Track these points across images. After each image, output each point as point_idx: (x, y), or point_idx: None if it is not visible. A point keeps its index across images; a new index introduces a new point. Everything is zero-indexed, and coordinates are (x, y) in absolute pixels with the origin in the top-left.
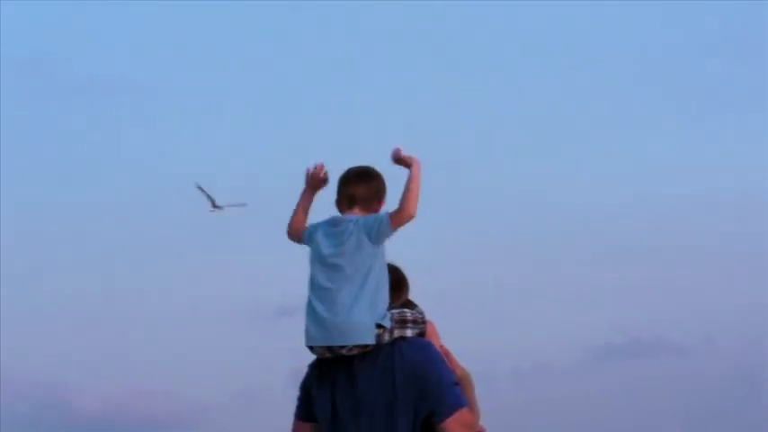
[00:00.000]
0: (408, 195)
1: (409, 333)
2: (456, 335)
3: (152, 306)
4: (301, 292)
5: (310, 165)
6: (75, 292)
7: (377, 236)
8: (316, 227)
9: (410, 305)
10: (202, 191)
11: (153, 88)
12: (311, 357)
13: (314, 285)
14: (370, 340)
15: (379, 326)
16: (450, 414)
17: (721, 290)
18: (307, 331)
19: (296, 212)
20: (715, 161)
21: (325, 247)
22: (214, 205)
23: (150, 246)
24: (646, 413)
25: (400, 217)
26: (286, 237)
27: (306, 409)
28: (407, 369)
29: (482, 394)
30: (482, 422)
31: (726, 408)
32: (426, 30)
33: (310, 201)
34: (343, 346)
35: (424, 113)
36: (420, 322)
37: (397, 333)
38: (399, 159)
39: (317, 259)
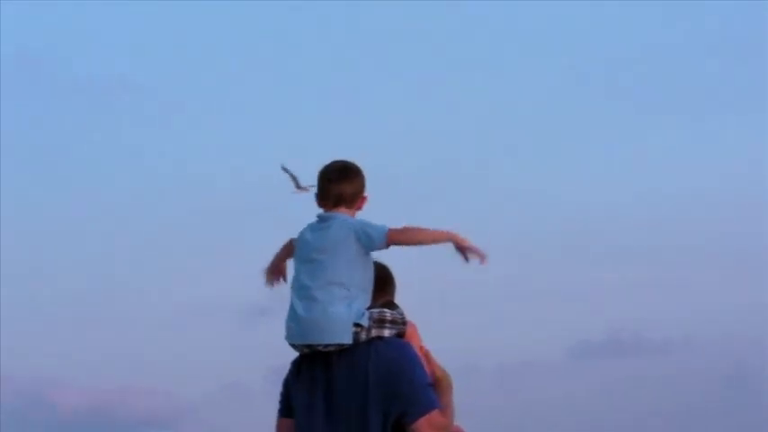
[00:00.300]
0: (420, 234)
1: (387, 333)
2: (439, 332)
3: (136, 305)
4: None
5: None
6: (66, 292)
7: (368, 246)
8: (303, 230)
9: (391, 305)
10: (287, 171)
11: (153, 88)
12: (293, 354)
13: (295, 282)
14: (347, 339)
15: (357, 324)
16: (421, 415)
17: (708, 289)
18: (287, 328)
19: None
20: (712, 160)
21: (309, 244)
22: (298, 186)
23: (141, 245)
24: (629, 411)
25: (398, 239)
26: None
27: (288, 405)
28: (381, 368)
29: (464, 392)
30: (464, 421)
31: (709, 407)
32: (426, 29)
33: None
34: (320, 344)
35: (423, 112)
36: (399, 323)
37: (374, 332)
38: (466, 250)
39: (301, 255)
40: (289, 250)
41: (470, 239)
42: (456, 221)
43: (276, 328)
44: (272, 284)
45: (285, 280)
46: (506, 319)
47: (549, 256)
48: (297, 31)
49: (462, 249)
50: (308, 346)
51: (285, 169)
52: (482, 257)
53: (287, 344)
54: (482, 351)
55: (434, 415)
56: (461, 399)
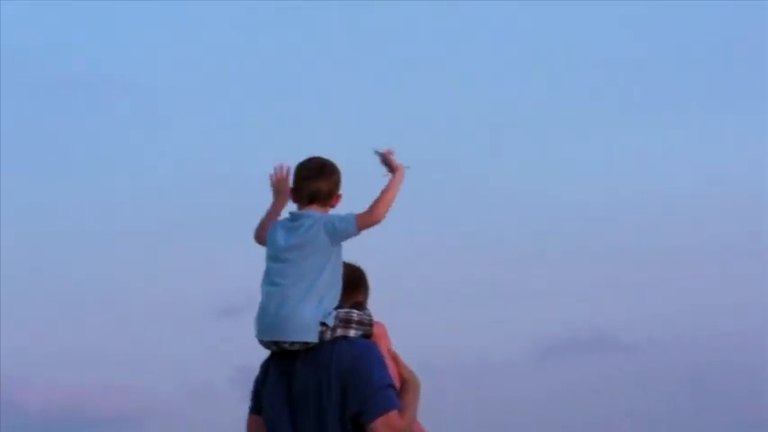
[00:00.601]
0: (383, 200)
1: (352, 333)
2: (403, 332)
3: (104, 303)
4: (254, 288)
5: (271, 171)
6: (32, 288)
7: (339, 236)
8: (276, 224)
9: (360, 307)
10: (379, 154)
11: (153, 88)
12: (262, 353)
13: (266, 280)
14: (312, 338)
15: (323, 323)
16: (378, 415)
17: (673, 290)
18: (256, 325)
19: (265, 220)
20: (675, 163)
21: (281, 242)
22: (390, 170)
23: (113, 243)
24: (594, 411)
25: (368, 220)
26: (254, 240)
27: (258, 403)
28: (343, 368)
29: (427, 392)
30: (428, 422)
31: (673, 408)
32: (427, 29)
33: (280, 208)
34: (285, 341)
35: (412, 111)
36: (366, 324)
37: (339, 332)
38: (387, 161)
39: (272, 254)
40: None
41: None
42: (414, 219)
43: (244, 328)
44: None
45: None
46: (470, 318)
47: (512, 256)
48: (297, 30)
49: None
50: (276, 343)
51: (377, 152)
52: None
53: (255, 343)
54: (445, 351)
55: (392, 416)
56: (424, 399)
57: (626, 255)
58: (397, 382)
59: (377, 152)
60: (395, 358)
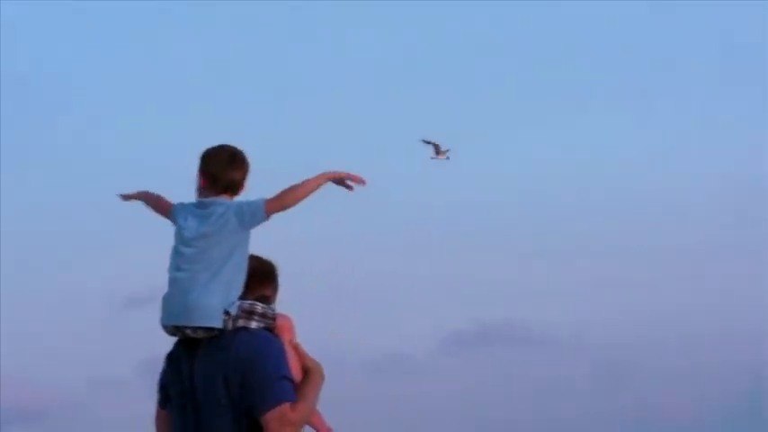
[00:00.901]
0: (294, 190)
1: (254, 325)
2: (309, 326)
3: (7, 295)
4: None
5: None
6: None
7: (249, 222)
8: (181, 207)
9: (265, 300)
10: (428, 142)
11: (153, 87)
12: (168, 344)
13: (173, 264)
14: (216, 323)
15: (226, 312)
16: (269, 409)
17: (586, 288)
18: (162, 310)
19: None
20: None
21: (190, 229)
22: (438, 152)
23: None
24: (501, 404)
25: (276, 205)
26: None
27: (165, 396)
28: (240, 360)
29: (333, 386)
30: (333, 416)
31: (580, 404)
32: (426, 31)
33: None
34: (188, 327)
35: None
36: (269, 317)
37: (241, 322)
38: (345, 178)
39: (180, 240)
40: (162, 204)
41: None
42: (325, 214)
43: (150, 319)
44: (127, 199)
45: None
46: (377, 311)
47: (421, 250)
48: (297, 30)
49: (342, 181)
50: (179, 328)
51: (426, 141)
52: (362, 181)
53: (162, 335)
54: (351, 344)
55: (284, 408)
56: (330, 393)
57: (534, 250)
58: (298, 375)
59: (425, 141)
60: (296, 349)
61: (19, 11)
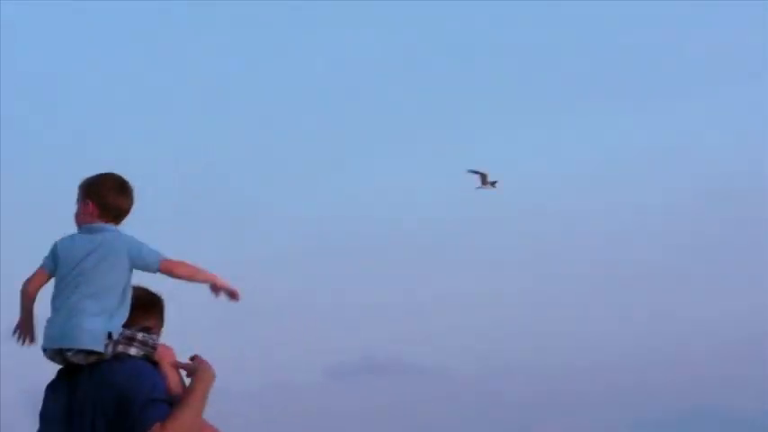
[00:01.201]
0: (190, 270)
1: (133, 351)
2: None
3: None
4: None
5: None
6: None
7: (139, 266)
8: (63, 239)
9: (148, 331)
10: (475, 172)
11: (153, 87)
12: (50, 373)
13: (57, 290)
14: (97, 347)
15: (108, 336)
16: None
17: (465, 318)
18: (44, 334)
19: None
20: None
21: (76, 254)
22: (484, 182)
23: None
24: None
25: (169, 270)
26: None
27: (45, 428)
28: (115, 385)
29: (217, 414)
30: None
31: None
32: (426, 31)
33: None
34: (70, 350)
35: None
36: (149, 345)
37: (121, 348)
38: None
39: (65, 265)
40: (35, 290)
41: (227, 282)
42: (217, 235)
43: (32, 348)
44: (27, 342)
45: (34, 340)
46: (262, 339)
47: (306, 278)
48: (297, 30)
49: (217, 289)
50: (60, 353)
51: (472, 171)
52: (235, 296)
53: (44, 363)
54: (236, 372)
55: (154, 429)
56: (217, 422)
57: (416, 276)
58: (178, 393)
59: (472, 171)
60: (176, 366)
61: (19, 11)
